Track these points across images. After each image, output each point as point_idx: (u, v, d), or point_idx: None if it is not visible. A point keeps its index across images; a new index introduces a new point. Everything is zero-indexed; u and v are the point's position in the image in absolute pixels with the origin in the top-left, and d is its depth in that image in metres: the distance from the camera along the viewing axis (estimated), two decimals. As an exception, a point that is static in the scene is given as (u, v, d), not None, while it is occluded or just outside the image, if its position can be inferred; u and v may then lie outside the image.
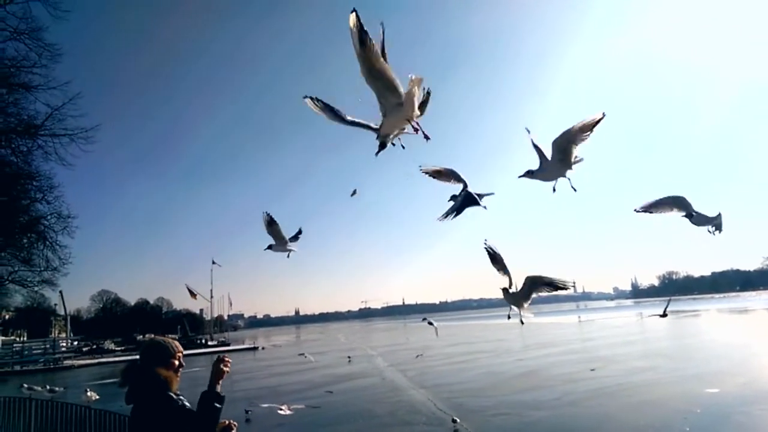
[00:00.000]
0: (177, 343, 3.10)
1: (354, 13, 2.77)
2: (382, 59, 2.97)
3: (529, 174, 4.19)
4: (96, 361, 48.22)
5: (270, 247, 5.57)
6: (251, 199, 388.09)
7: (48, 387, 18.06)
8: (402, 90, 3.10)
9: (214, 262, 62.86)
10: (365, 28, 2.82)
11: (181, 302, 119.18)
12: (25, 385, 17.83)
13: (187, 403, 2.87)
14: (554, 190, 4.21)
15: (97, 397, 16.05)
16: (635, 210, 4.59)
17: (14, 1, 18.42)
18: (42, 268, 24.04)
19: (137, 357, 3.08)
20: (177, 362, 3.00)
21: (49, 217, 23.29)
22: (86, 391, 16.19)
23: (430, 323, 20.70)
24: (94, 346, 64.21)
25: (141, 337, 73.45)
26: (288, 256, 5.76)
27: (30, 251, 24.03)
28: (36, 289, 26.71)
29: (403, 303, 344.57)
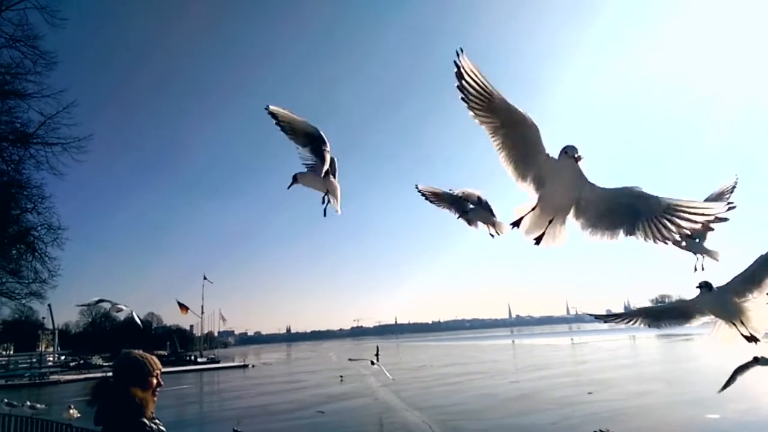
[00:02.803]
0: (155, 360, 2.77)
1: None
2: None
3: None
4: (83, 376, 47.13)
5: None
6: (247, 215, 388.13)
7: (29, 404, 17.47)
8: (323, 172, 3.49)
9: (205, 278, 62.31)
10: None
11: (172, 318, 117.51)
12: (5, 401, 17.25)
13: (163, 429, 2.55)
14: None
15: (79, 414, 15.51)
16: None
17: (11, 7, 18.18)
18: (30, 280, 23.44)
19: (110, 373, 2.75)
20: (155, 381, 2.68)
21: (39, 228, 22.77)
22: (68, 408, 15.63)
23: (373, 363, 21.90)
24: (82, 361, 62.98)
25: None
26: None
27: (18, 263, 23.48)
28: (24, 301, 26.03)
29: (396, 322, 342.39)
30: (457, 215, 4.29)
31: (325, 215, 3.60)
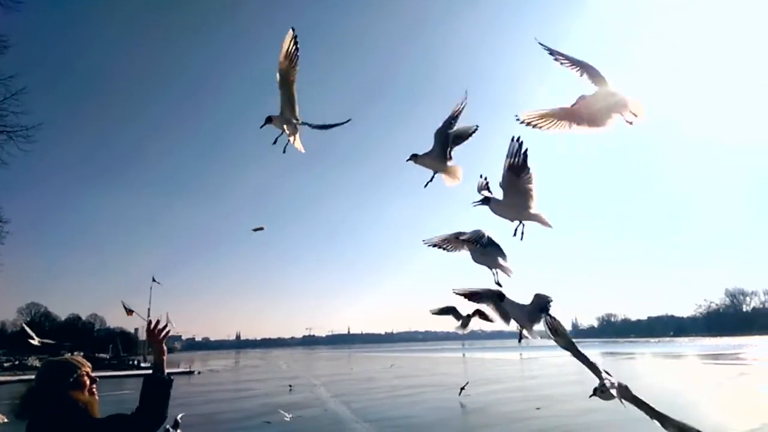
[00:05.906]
0: (79, 358, 2.50)
1: (291, 32, 3.11)
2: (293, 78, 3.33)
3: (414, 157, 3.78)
4: (17, 378, 44.78)
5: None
6: (202, 220, 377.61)
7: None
8: (297, 114, 3.50)
9: (154, 280, 60.32)
10: (298, 49, 3.17)
11: (115, 320, 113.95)
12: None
13: None
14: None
15: (6, 420, 14.53)
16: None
17: (-42, -12, 17.20)
18: (-37, 275, 22.17)
19: (36, 382, 2.43)
20: (88, 379, 2.39)
21: (-23, 222, 21.59)
22: (-8, 412, 14.60)
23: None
24: (17, 362, 59.93)
25: (69, 354, 69.19)
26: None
27: (-47, 256, 22.17)
28: (-45, 297, 24.60)
29: (349, 332, 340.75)
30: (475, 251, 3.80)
31: (284, 152, 3.70)
